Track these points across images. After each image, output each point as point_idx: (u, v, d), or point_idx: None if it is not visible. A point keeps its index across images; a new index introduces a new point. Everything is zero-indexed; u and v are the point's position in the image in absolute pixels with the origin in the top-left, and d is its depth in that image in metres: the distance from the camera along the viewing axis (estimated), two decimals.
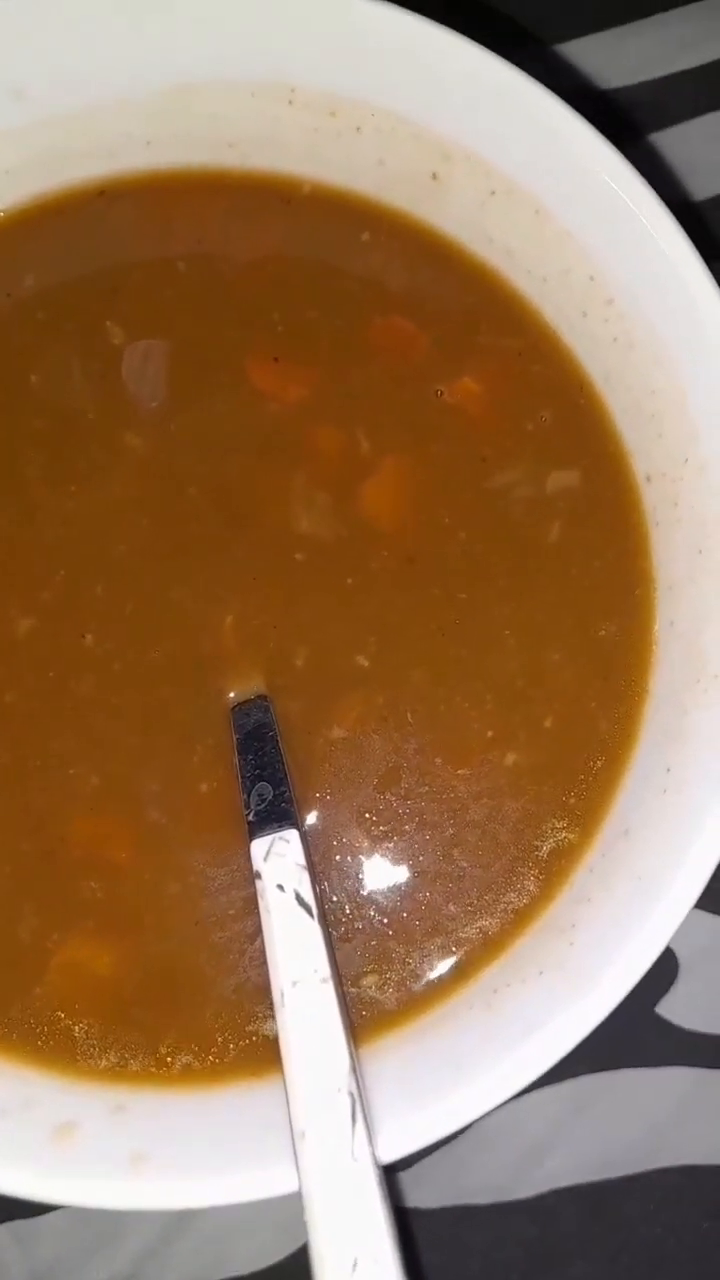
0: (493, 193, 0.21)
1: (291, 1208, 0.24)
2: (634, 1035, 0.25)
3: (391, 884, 0.22)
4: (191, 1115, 0.20)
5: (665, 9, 0.27)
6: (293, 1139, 0.17)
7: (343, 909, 0.22)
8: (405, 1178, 0.24)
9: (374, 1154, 0.17)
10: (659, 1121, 0.25)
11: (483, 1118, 0.18)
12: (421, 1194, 0.24)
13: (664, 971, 0.25)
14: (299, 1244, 0.24)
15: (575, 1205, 0.24)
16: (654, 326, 0.20)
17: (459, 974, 0.21)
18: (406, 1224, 0.24)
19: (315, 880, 0.20)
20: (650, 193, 0.19)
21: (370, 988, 0.21)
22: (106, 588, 0.22)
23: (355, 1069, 0.18)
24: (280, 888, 0.19)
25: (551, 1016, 0.19)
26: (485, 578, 0.22)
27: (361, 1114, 0.17)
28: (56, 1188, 0.18)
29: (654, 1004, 0.25)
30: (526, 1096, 0.19)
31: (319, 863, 0.21)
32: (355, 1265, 0.16)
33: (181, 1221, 0.24)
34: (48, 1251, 0.24)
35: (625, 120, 0.27)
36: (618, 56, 0.27)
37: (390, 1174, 0.24)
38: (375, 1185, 0.17)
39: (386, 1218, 0.16)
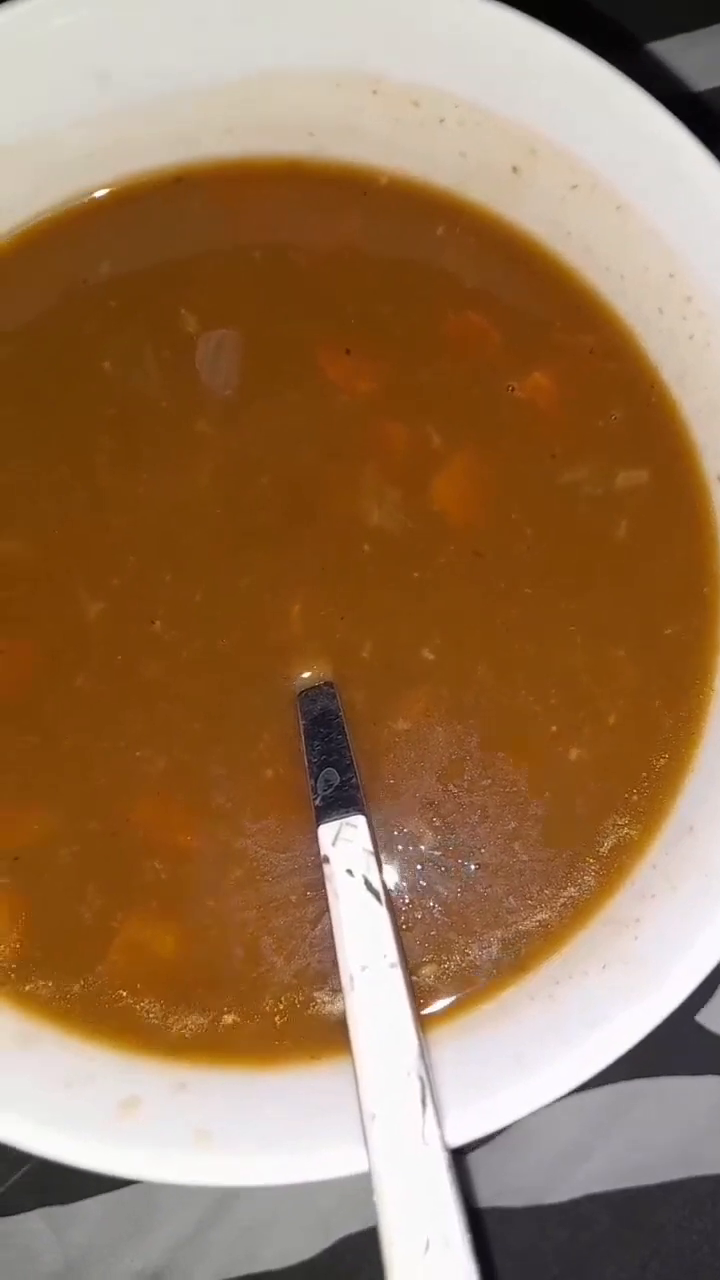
0: (574, 187, 0.21)
1: (327, 1203, 0.25)
2: (673, 1043, 0.25)
3: (452, 875, 0.22)
4: (253, 1095, 0.20)
5: None
6: (362, 1121, 0.17)
7: (403, 898, 0.22)
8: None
9: (443, 1138, 0.17)
10: (695, 1130, 0.25)
11: (518, 1121, 0.18)
12: (461, 1191, 0.25)
13: (706, 979, 0.25)
14: (332, 1240, 0.24)
15: (609, 1211, 0.24)
16: None
17: (519, 965, 0.21)
18: None
19: (381, 864, 0.20)
20: None
21: (429, 977, 0.21)
22: (176, 575, 0.22)
23: (424, 1053, 0.18)
24: (349, 872, 0.19)
25: (615, 1010, 0.19)
26: (552, 574, 0.22)
27: (431, 1098, 0.17)
28: (124, 1159, 0.19)
29: (694, 1012, 0.25)
30: (563, 1100, 0.19)
31: (381, 852, 0.22)
32: (427, 1247, 0.16)
33: (215, 1213, 0.24)
34: (81, 1237, 0.24)
35: (714, 121, 0.27)
36: (709, 57, 0.26)
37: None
38: (445, 1168, 0.17)
39: (456, 1201, 0.17)
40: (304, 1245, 0.24)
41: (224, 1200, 0.24)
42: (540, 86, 0.19)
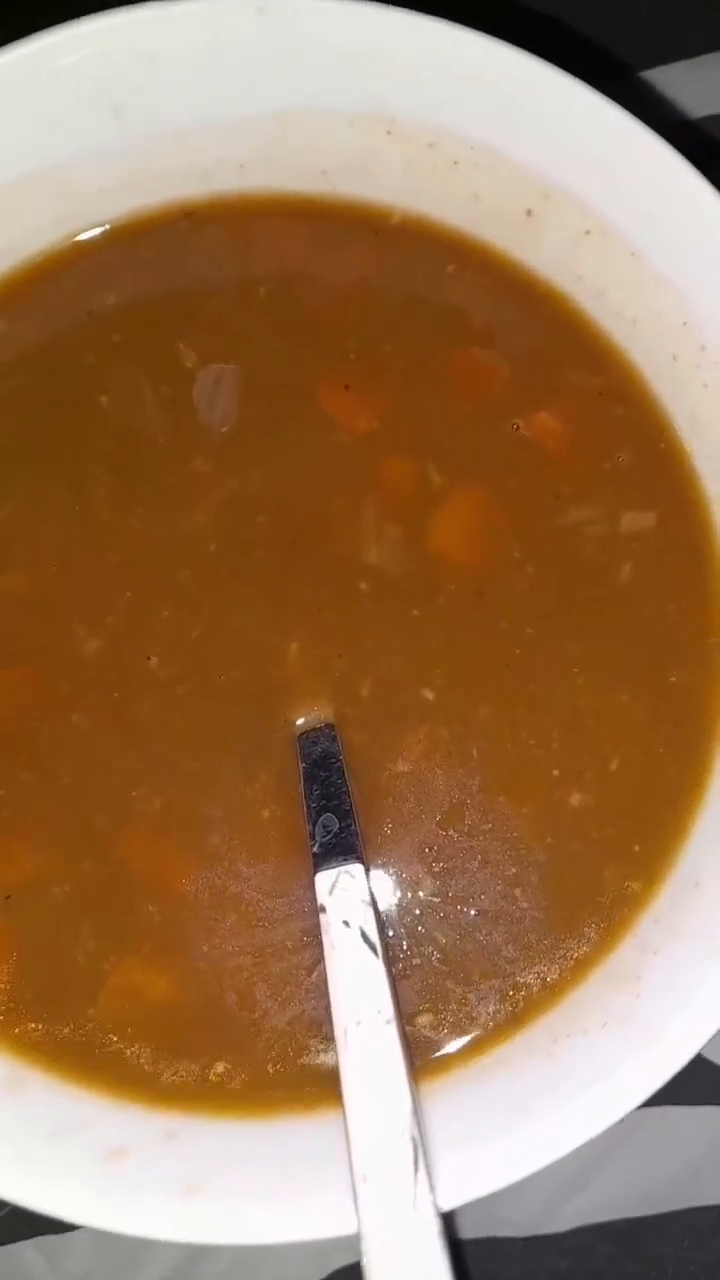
0: (588, 233, 0.21)
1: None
2: (676, 1073, 0.24)
3: (451, 922, 0.21)
4: (243, 1146, 0.20)
5: None
6: (353, 1182, 0.17)
7: (400, 945, 0.21)
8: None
9: (435, 1202, 0.17)
10: (695, 1160, 0.24)
11: None
12: (456, 1225, 0.24)
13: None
14: (327, 1271, 0.24)
15: (608, 1241, 0.24)
16: None
17: (517, 1019, 0.21)
18: None
19: (379, 915, 0.20)
20: None
21: (425, 1027, 0.21)
22: (173, 611, 0.22)
23: (417, 1113, 0.18)
24: (345, 923, 0.19)
25: (615, 1071, 0.18)
26: (555, 615, 0.22)
27: (423, 1161, 0.17)
28: (109, 1213, 0.18)
29: None
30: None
31: (378, 896, 0.21)
32: None
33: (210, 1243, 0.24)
34: (76, 1267, 0.24)
35: (709, 149, 0.26)
36: (704, 85, 0.26)
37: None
38: (436, 1234, 0.17)
39: (447, 1266, 0.16)
40: (300, 1275, 0.24)
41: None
42: (554, 131, 0.19)
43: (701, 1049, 0.24)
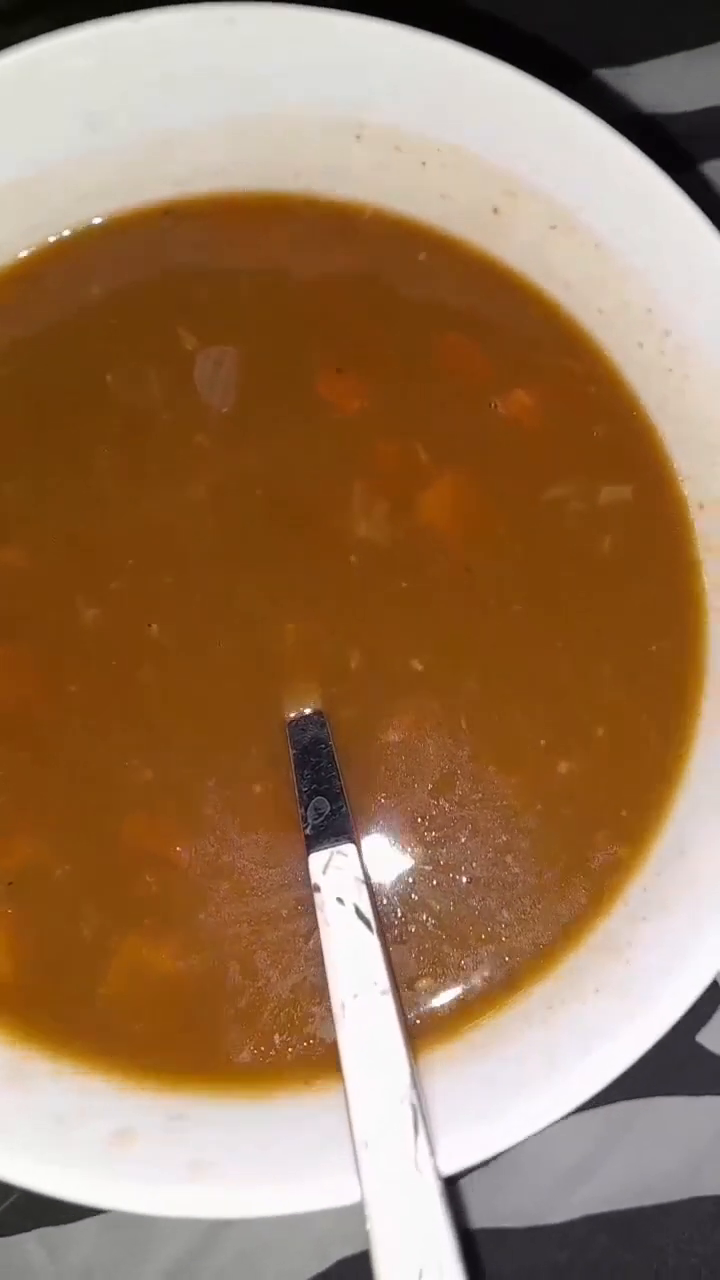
0: (553, 227, 0.22)
1: (324, 1226, 0.24)
2: (673, 1063, 0.24)
3: (445, 889, 0.22)
4: (248, 1124, 0.20)
5: None
6: (355, 1150, 0.17)
7: (396, 913, 0.22)
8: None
9: (436, 1165, 0.17)
10: (695, 1151, 0.24)
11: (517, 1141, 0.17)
12: (455, 1216, 0.24)
13: (706, 1000, 0.24)
14: (329, 1263, 0.24)
15: (608, 1232, 0.24)
16: (711, 361, 0.21)
17: (513, 985, 0.21)
18: None
19: (372, 891, 0.20)
20: (711, 231, 0.20)
21: (424, 991, 0.21)
22: (173, 581, 0.22)
23: (416, 1080, 0.18)
24: (340, 901, 0.19)
25: (608, 1036, 0.19)
26: (539, 588, 0.23)
27: (423, 1125, 0.17)
28: (117, 1193, 0.18)
29: (695, 1032, 0.25)
30: (563, 1121, 0.19)
31: (372, 866, 0.21)
32: (420, 1276, 0.16)
33: (213, 1235, 0.24)
34: (78, 1260, 0.23)
35: (684, 147, 0.28)
36: (681, 81, 0.27)
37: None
38: (438, 1196, 0.17)
39: (450, 1229, 0.16)
40: (302, 1268, 0.24)
41: (222, 1223, 0.24)
42: (517, 131, 0.20)
43: (701, 1039, 0.24)
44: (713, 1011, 0.25)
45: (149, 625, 0.22)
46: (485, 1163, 0.22)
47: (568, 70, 0.28)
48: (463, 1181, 0.24)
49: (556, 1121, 0.18)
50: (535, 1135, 0.18)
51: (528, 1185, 0.24)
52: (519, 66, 0.20)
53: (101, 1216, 0.24)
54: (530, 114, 0.20)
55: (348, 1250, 0.24)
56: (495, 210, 0.22)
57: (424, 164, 0.22)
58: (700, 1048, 0.25)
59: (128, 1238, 0.23)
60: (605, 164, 0.20)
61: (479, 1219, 0.24)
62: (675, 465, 0.23)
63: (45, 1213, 0.23)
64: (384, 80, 0.20)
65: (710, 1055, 0.25)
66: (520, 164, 0.21)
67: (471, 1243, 0.23)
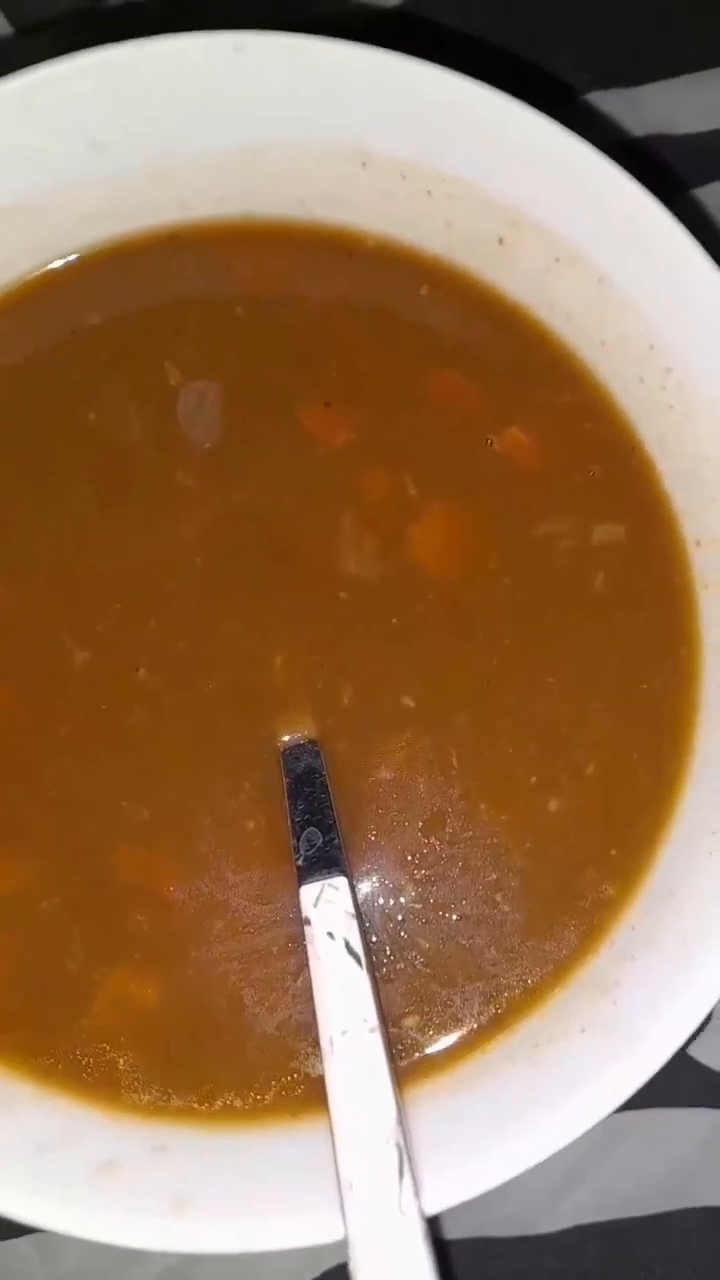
0: (557, 260, 0.21)
1: None
2: (665, 1075, 0.24)
3: (434, 927, 0.22)
4: (232, 1156, 0.20)
5: None
6: (339, 1189, 0.17)
7: (384, 950, 0.22)
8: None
9: (420, 1207, 0.17)
10: (686, 1161, 0.25)
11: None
12: (446, 1226, 0.24)
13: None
14: (321, 1270, 0.24)
15: (598, 1242, 0.24)
16: (712, 398, 0.20)
17: (499, 1023, 0.21)
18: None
19: (363, 926, 0.20)
20: (713, 267, 0.20)
21: (412, 1029, 0.22)
22: (160, 622, 0.22)
23: (402, 1120, 0.18)
24: (330, 935, 0.19)
25: (594, 1076, 0.19)
26: (530, 624, 0.23)
27: (409, 1167, 0.17)
28: (98, 1226, 0.18)
29: (687, 1045, 0.24)
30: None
31: (362, 902, 0.22)
32: None
33: None
34: (70, 1264, 0.24)
35: (689, 170, 0.27)
36: (685, 103, 0.27)
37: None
38: (422, 1238, 0.17)
39: (433, 1271, 0.17)
40: (294, 1274, 0.24)
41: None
42: (523, 164, 0.20)
43: (692, 1051, 0.24)
44: (705, 1025, 0.25)
45: (137, 669, 0.22)
46: (460, 1203, 0.22)
47: (568, 93, 0.27)
48: None
49: (548, 1159, 0.18)
50: (514, 1176, 0.18)
51: (518, 1194, 0.24)
52: (519, 91, 0.19)
53: None
54: (531, 145, 0.20)
55: (341, 1258, 0.24)
56: (500, 241, 0.22)
57: (429, 193, 0.22)
58: (691, 1059, 0.25)
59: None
60: (607, 198, 0.20)
61: (469, 1228, 0.24)
62: (672, 502, 0.23)
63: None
64: (389, 109, 0.20)
65: (701, 1067, 0.25)
66: (523, 196, 0.21)
67: (450, 1272, 0.24)
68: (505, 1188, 0.24)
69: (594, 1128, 0.24)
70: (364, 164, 0.21)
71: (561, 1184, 0.24)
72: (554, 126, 0.19)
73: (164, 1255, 0.24)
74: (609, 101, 0.27)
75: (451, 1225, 0.24)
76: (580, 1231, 0.24)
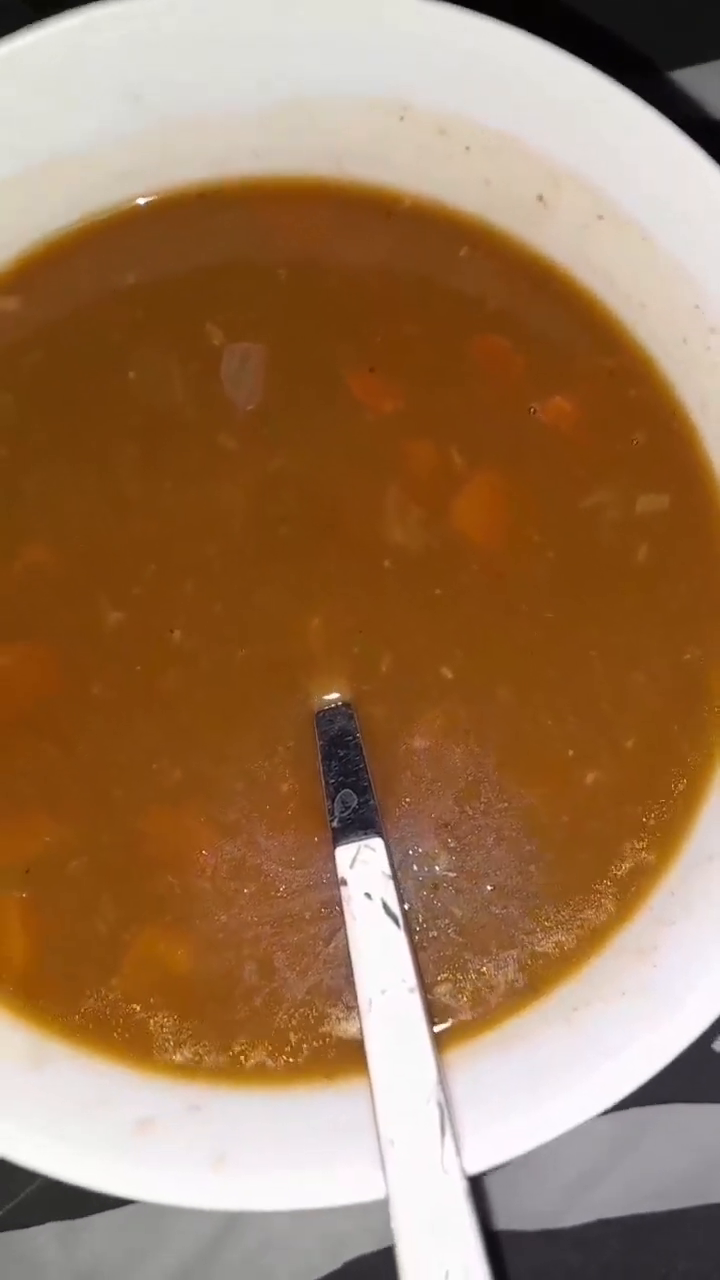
0: (600, 217, 0.21)
1: (335, 1225, 0.24)
2: (690, 1070, 0.24)
3: (467, 896, 0.22)
4: (269, 1116, 0.20)
5: None
6: (380, 1148, 0.17)
7: (417, 918, 0.22)
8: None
9: (462, 1165, 0.17)
10: (709, 1157, 0.25)
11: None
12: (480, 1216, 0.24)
13: None
14: (344, 1260, 0.24)
15: (621, 1237, 0.24)
16: None
17: (535, 989, 0.21)
18: None
19: (399, 888, 0.20)
20: None
21: (444, 995, 0.21)
22: (196, 585, 0.22)
23: (442, 1079, 0.18)
24: (367, 896, 0.19)
25: (633, 1039, 0.19)
26: (572, 597, 0.22)
27: (450, 1125, 0.17)
28: (139, 1182, 0.18)
29: (711, 1039, 0.25)
30: (578, 1125, 0.19)
31: (397, 873, 0.21)
32: (446, 1277, 0.16)
33: (227, 1231, 0.24)
34: (90, 1254, 0.24)
35: None
36: None
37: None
38: (465, 1197, 0.17)
39: (476, 1229, 0.16)
40: (316, 1265, 0.24)
41: (236, 1218, 0.24)
42: (567, 117, 0.20)
43: (717, 1046, 0.24)
44: None
45: (172, 631, 0.22)
46: (499, 1165, 0.22)
47: (633, 66, 0.27)
48: (477, 1183, 0.24)
49: (584, 1122, 0.18)
50: (553, 1137, 0.18)
51: (541, 1188, 0.24)
52: (586, 58, 0.19)
53: (114, 1211, 0.24)
54: (581, 101, 0.19)
55: (359, 1250, 0.24)
56: (540, 199, 0.21)
57: (468, 149, 0.21)
58: (716, 1055, 0.25)
59: (140, 1233, 0.24)
60: (657, 154, 0.19)
61: (494, 1221, 0.24)
62: (716, 467, 0.23)
63: (58, 1207, 0.24)
64: (430, 61, 0.20)
65: None
66: (568, 152, 0.20)
67: (494, 1241, 0.24)
68: (528, 1181, 0.24)
69: (617, 1122, 0.24)
70: (403, 118, 0.21)
71: (584, 1178, 0.24)
72: (601, 78, 0.19)
73: (179, 1249, 0.24)
74: (681, 79, 0.26)
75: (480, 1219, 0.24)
76: (602, 1225, 0.24)
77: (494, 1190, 0.24)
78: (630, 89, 0.19)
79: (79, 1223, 0.24)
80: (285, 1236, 0.24)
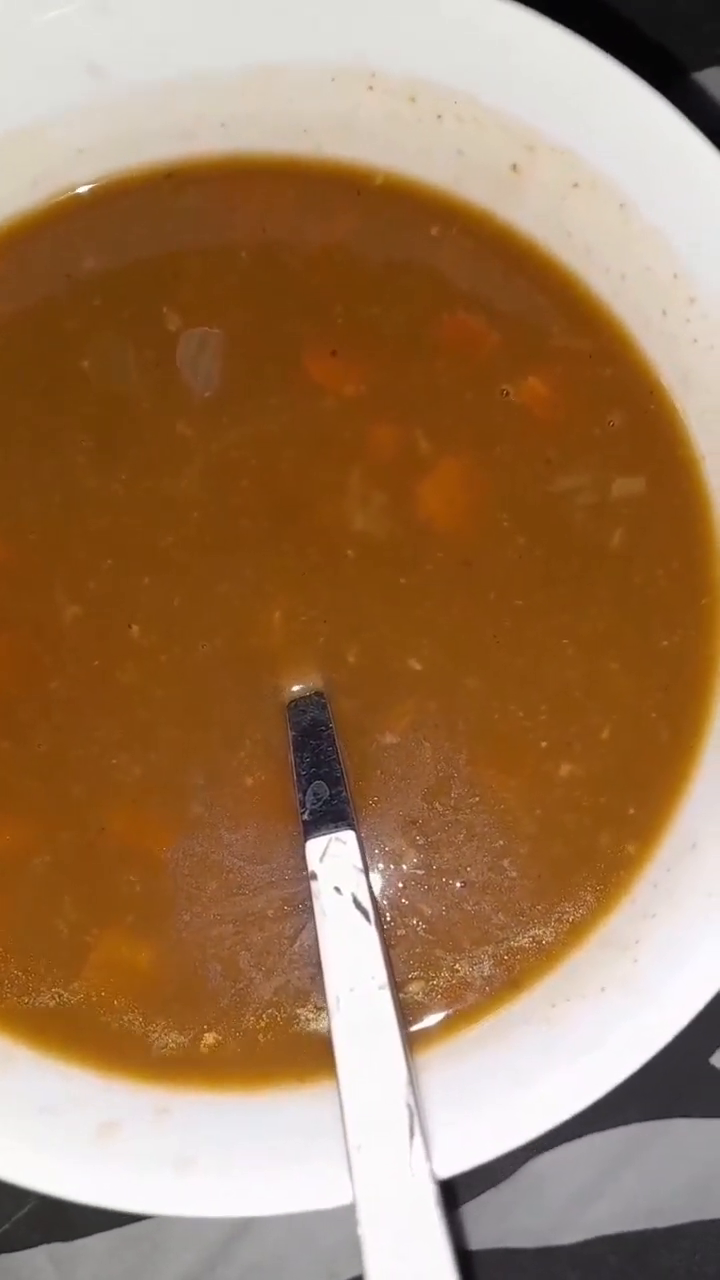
0: (576, 185, 0.20)
1: (333, 1242, 0.24)
2: (688, 1085, 0.24)
3: (438, 893, 0.21)
4: (236, 1120, 0.20)
5: None
6: (348, 1151, 0.17)
7: (387, 915, 0.21)
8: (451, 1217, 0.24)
9: (431, 1170, 0.17)
10: (708, 1172, 0.24)
11: (531, 1160, 0.17)
12: (465, 1235, 0.24)
13: None
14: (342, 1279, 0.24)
15: (619, 1254, 0.24)
16: None
17: (513, 984, 0.21)
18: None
19: (370, 882, 0.19)
20: None
21: (417, 994, 0.21)
22: (154, 579, 0.22)
23: (412, 1080, 0.17)
24: (337, 890, 0.19)
25: (613, 1035, 0.18)
26: (544, 584, 0.22)
27: (419, 1128, 0.17)
28: (103, 1187, 0.18)
29: (709, 1054, 0.24)
30: (576, 1141, 0.19)
31: (366, 864, 0.21)
32: None
33: (221, 1253, 0.24)
34: (85, 1275, 0.23)
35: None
36: None
37: (450, 1211, 0.23)
38: (434, 1201, 0.16)
39: (445, 1235, 0.16)
40: None
41: (229, 1240, 0.23)
42: (541, 81, 0.19)
43: (714, 1061, 0.24)
44: None
45: (129, 626, 0.21)
46: (499, 1181, 0.22)
47: (652, 65, 0.25)
48: (474, 1201, 0.24)
49: (554, 1146, 0.18)
50: (549, 1154, 0.18)
51: (539, 1205, 0.24)
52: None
53: (109, 1232, 0.24)
54: (555, 63, 0.18)
55: (358, 1269, 0.22)
56: (514, 167, 0.21)
57: (439, 117, 0.20)
58: (714, 1069, 0.24)
59: (135, 1254, 0.23)
60: (634, 118, 0.18)
61: (489, 1239, 0.24)
62: (696, 445, 0.22)
63: (54, 1228, 0.24)
64: (398, 26, 0.19)
65: None
66: (543, 117, 0.19)
67: (478, 1259, 0.23)
68: (526, 1198, 0.23)
69: (614, 1139, 0.24)
70: (371, 86, 0.20)
71: (582, 1195, 0.24)
72: (571, 38, 0.18)
73: (176, 1268, 0.23)
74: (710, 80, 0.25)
75: (472, 1236, 0.24)
76: (601, 1243, 0.24)
77: (492, 1207, 0.24)
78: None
79: (74, 1244, 0.23)
80: (281, 1256, 0.24)
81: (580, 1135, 0.18)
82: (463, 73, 0.19)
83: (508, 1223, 0.24)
